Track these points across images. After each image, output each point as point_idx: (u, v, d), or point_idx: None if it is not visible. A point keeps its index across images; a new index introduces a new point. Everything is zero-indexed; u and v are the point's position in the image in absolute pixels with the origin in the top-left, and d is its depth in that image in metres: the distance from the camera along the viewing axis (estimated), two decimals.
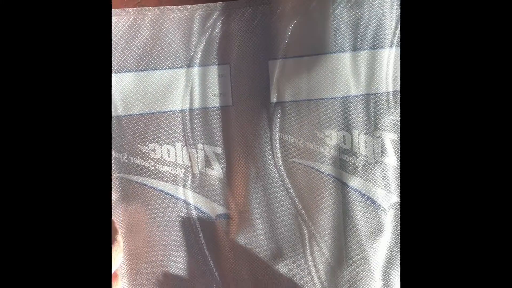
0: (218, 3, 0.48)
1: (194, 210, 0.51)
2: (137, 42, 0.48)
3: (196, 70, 0.49)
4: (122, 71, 0.48)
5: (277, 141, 0.50)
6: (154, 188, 0.50)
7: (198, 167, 0.51)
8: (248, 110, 0.50)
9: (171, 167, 0.50)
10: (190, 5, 0.48)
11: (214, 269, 0.52)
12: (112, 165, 0.50)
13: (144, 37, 0.48)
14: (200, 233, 0.51)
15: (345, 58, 0.46)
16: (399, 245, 0.49)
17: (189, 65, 0.49)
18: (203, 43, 0.49)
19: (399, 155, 0.48)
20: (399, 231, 0.49)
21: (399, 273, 0.50)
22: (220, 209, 0.52)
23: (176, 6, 0.48)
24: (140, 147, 0.49)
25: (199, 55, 0.49)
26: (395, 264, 0.50)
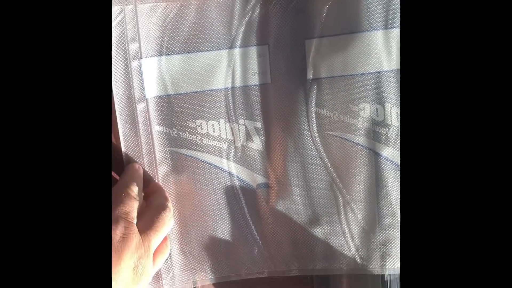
0: None
1: (236, 180, 0.56)
2: (183, 26, 0.52)
3: (237, 51, 0.53)
4: (171, 53, 0.53)
5: (313, 115, 0.54)
6: (201, 160, 0.55)
7: (240, 141, 0.55)
8: (286, 87, 0.54)
9: (216, 141, 0.55)
10: None
11: (256, 233, 0.57)
12: (163, 139, 0.55)
13: (189, 21, 0.52)
14: (242, 201, 0.56)
15: (377, 36, 0.49)
16: None
17: (231, 46, 0.53)
18: (244, 25, 0.53)
19: None
20: None
21: None
22: (260, 179, 0.57)
23: None
24: (188, 122, 0.54)
25: (240, 37, 0.53)
26: None
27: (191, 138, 0.54)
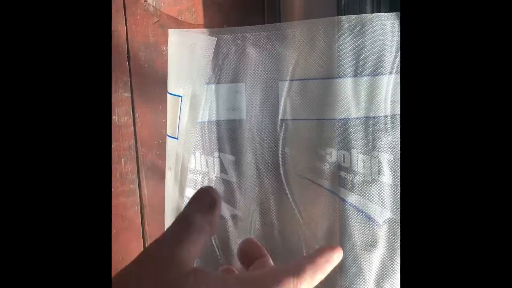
0: (236, 27, 0.53)
1: None
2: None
3: (214, 87, 0.55)
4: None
5: (284, 155, 0.55)
6: None
7: (214, 173, 0.57)
8: (259, 124, 0.55)
9: (191, 173, 0.57)
10: (211, 29, 0.53)
11: (225, 263, 0.58)
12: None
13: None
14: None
15: (347, 83, 0.49)
16: (392, 258, 0.52)
17: (209, 82, 0.55)
18: (222, 63, 0.54)
19: (395, 174, 0.51)
20: (393, 245, 0.52)
21: (391, 285, 0.53)
22: (232, 210, 0.58)
23: (199, 29, 0.54)
24: None
25: (218, 74, 0.55)
26: (388, 275, 0.53)
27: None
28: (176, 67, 0.54)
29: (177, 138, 0.54)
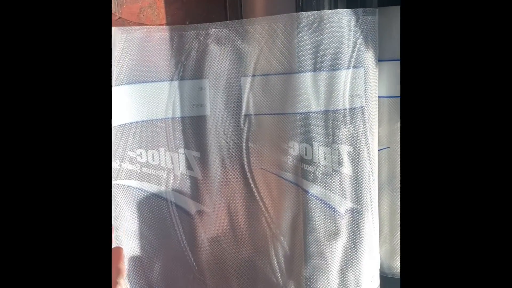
0: (198, 24, 0.54)
1: (175, 207, 0.58)
2: (128, 57, 0.53)
3: (178, 83, 0.55)
4: (118, 84, 0.54)
5: (247, 150, 0.56)
6: (140, 190, 0.57)
7: (179, 169, 0.57)
8: (223, 120, 0.56)
9: (155, 169, 0.56)
10: (173, 26, 0.54)
11: (192, 260, 0.59)
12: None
13: (133, 54, 0.53)
14: (180, 228, 0.58)
15: (306, 78, 0.51)
16: (355, 247, 0.54)
17: (172, 78, 0.55)
18: (185, 59, 0.54)
19: (355, 165, 0.52)
20: (355, 234, 0.54)
21: (354, 273, 0.55)
22: (198, 206, 0.58)
23: (161, 26, 0.54)
24: (129, 153, 0.56)
25: (181, 70, 0.55)
26: (351, 264, 0.54)
27: (131, 168, 0.56)
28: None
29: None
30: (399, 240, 0.59)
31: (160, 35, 0.54)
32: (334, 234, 0.54)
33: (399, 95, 0.56)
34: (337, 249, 0.54)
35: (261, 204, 0.56)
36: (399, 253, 0.59)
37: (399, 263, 0.60)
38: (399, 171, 0.58)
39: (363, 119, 0.52)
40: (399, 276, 0.60)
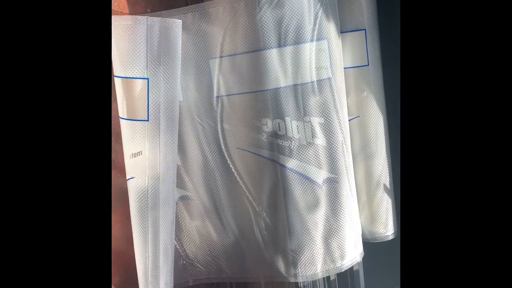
0: (162, 11, 0.54)
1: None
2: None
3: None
4: None
5: (223, 131, 0.56)
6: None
7: None
8: (197, 104, 0.56)
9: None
10: (133, 15, 0.54)
11: (180, 245, 0.59)
12: None
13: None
14: None
15: (272, 54, 0.51)
16: (335, 216, 0.56)
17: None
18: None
19: (328, 135, 0.54)
20: (335, 203, 0.55)
21: (338, 241, 0.56)
22: (180, 192, 0.59)
23: (121, 16, 0.54)
24: None
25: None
26: (334, 233, 0.56)
27: None
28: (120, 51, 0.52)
29: (148, 120, 0.52)
30: (378, 205, 0.61)
31: (124, 23, 0.53)
32: (314, 205, 0.55)
33: (364, 64, 0.57)
34: (319, 219, 0.55)
35: (241, 184, 0.57)
36: (379, 218, 0.61)
37: (380, 228, 0.61)
38: (371, 138, 0.60)
39: (331, 90, 0.54)
40: (380, 241, 0.62)
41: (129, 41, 0.50)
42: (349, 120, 0.58)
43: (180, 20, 0.51)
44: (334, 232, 0.56)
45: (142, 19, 0.50)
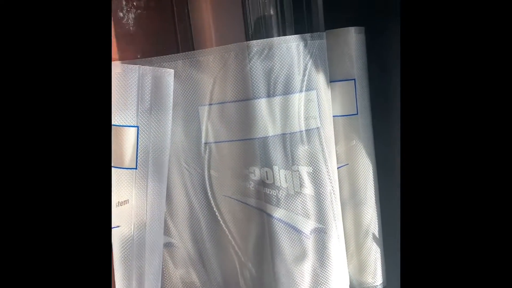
0: (152, 58, 0.54)
1: None
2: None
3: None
4: None
5: (210, 178, 0.56)
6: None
7: None
8: (184, 149, 0.56)
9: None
10: (125, 64, 0.54)
11: None
12: None
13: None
14: None
15: (261, 104, 0.52)
16: (323, 267, 0.54)
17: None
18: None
19: (316, 185, 0.53)
20: (322, 254, 0.54)
21: None
22: (165, 238, 0.58)
23: (113, 63, 0.54)
24: None
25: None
26: (321, 284, 0.55)
27: None
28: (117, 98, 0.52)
29: (136, 168, 0.52)
30: (367, 255, 0.60)
31: (114, 72, 0.53)
32: (301, 256, 0.54)
33: (353, 113, 0.58)
34: (306, 271, 0.54)
35: (227, 232, 0.56)
36: (367, 268, 0.60)
37: (368, 278, 0.60)
38: (360, 186, 0.59)
39: (319, 139, 0.54)
40: None
41: (119, 90, 0.50)
42: (338, 168, 0.58)
43: (172, 70, 0.52)
44: (321, 284, 0.55)
45: (134, 68, 0.50)
